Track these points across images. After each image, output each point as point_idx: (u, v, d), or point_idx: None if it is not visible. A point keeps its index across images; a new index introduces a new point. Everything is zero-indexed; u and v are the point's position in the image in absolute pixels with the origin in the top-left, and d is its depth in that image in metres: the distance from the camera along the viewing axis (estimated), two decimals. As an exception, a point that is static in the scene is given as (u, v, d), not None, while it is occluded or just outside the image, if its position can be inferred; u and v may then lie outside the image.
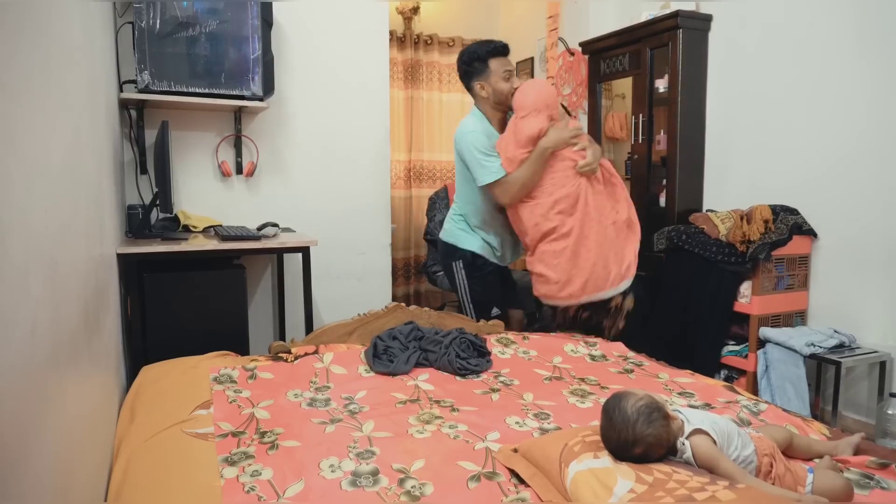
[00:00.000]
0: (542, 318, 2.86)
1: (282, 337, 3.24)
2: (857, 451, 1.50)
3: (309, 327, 2.78)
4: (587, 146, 2.45)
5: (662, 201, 3.35)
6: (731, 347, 2.90)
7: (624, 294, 2.53)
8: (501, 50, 2.54)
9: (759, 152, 3.07)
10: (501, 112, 2.62)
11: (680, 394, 1.92)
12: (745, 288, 2.80)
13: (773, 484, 1.30)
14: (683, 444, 1.30)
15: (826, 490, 1.27)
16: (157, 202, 2.64)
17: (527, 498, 1.31)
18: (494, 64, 2.51)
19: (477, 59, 2.53)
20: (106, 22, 2.46)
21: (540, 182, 2.45)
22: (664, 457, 1.31)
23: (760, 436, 1.41)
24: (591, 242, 2.42)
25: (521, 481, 1.37)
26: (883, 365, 2.53)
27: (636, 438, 1.26)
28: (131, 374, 2.20)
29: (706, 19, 3.26)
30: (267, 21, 2.93)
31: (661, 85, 3.34)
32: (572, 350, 2.36)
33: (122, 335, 2.30)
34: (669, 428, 1.30)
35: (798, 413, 1.80)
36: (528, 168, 2.42)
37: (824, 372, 2.65)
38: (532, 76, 4.82)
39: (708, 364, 2.87)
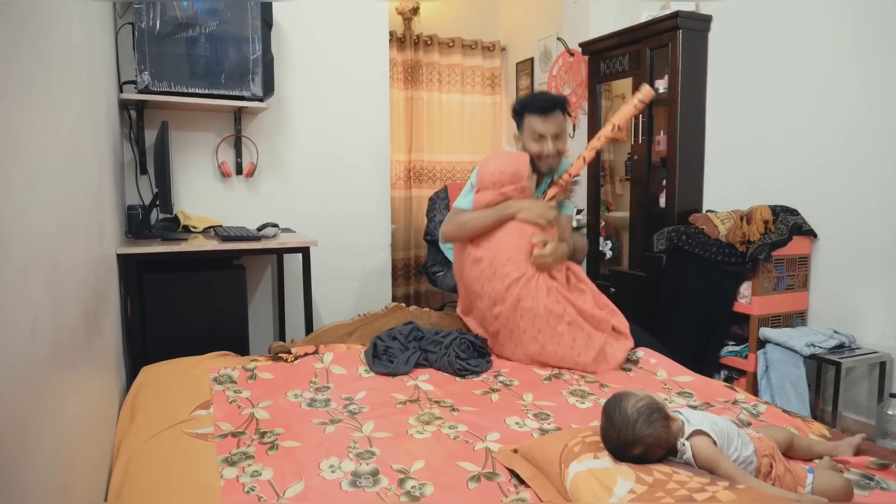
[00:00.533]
0: None
1: (282, 337, 3.24)
2: (858, 452, 1.50)
3: (309, 327, 2.78)
4: (549, 241, 2.17)
5: (662, 201, 3.35)
6: (731, 347, 2.90)
7: None
8: (540, 106, 2.24)
9: (759, 152, 3.07)
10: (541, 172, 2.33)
11: (679, 393, 1.92)
12: (745, 288, 2.80)
13: (772, 484, 1.30)
14: (684, 444, 1.30)
15: (826, 490, 1.27)
16: (157, 202, 2.64)
17: (527, 498, 1.31)
18: (528, 121, 2.26)
19: (516, 112, 2.32)
20: (106, 22, 2.46)
21: (487, 238, 2.24)
22: (664, 457, 1.31)
23: (760, 436, 1.41)
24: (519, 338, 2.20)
25: (521, 482, 1.37)
26: (883, 365, 2.53)
27: (636, 438, 1.26)
28: (131, 374, 2.21)
29: (706, 20, 3.26)
30: (267, 21, 2.93)
31: (661, 85, 3.34)
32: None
33: (122, 335, 2.30)
34: (669, 429, 1.30)
35: (798, 413, 1.80)
36: (476, 216, 2.24)
37: (824, 372, 2.65)
38: (532, 76, 4.82)
39: (708, 364, 2.88)
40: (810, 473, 1.31)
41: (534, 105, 2.26)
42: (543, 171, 2.30)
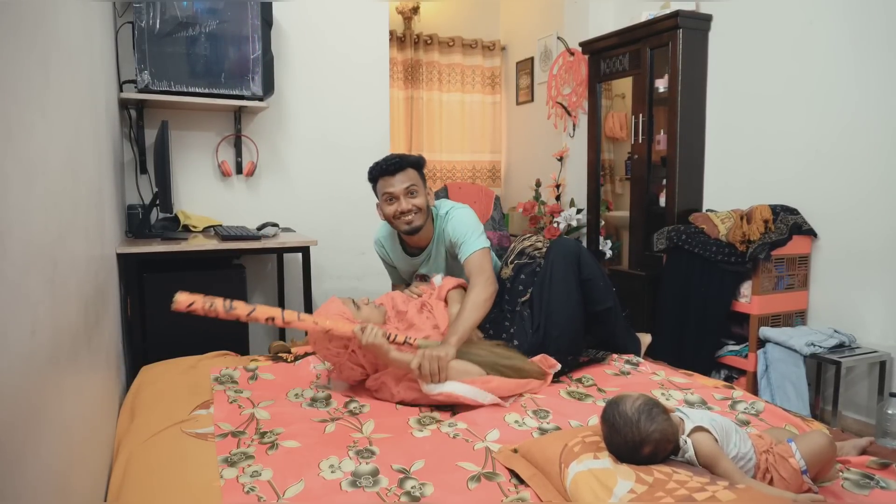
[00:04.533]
0: None
1: (282, 337, 3.24)
2: (862, 454, 1.50)
3: (309, 327, 2.78)
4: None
5: (662, 201, 3.35)
6: (731, 347, 2.90)
7: None
8: (384, 168, 2.12)
9: (759, 152, 3.07)
10: (405, 233, 2.22)
11: (677, 393, 1.92)
12: (745, 288, 2.80)
13: (770, 477, 1.30)
14: (686, 441, 1.30)
15: (813, 450, 1.30)
16: (157, 202, 2.64)
17: (527, 498, 1.31)
18: (379, 185, 2.16)
19: (370, 180, 2.20)
20: (106, 22, 2.46)
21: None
22: (671, 454, 1.31)
23: (761, 434, 1.41)
24: None
25: (521, 481, 1.37)
26: (883, 365, 2.53)
27: (643, 437, 1.26)
28: (131, 374, 2.21)
29: (706, 19, 3.26)
30: (267, 21, 2.93)
31: (661, 85, 3.33)
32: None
33: (122, 335, 2.30)
34: (671, 421, 1.30)
35: (798, 413, 1.80)
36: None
37: (824, 372, 2.65)
38: (532, 76, 4.82)
39: (708, 364, 2.87)
40: (791, 443, 1.33)
41: (380, 168, 2.14)
42: (404, 230, 2.17)
